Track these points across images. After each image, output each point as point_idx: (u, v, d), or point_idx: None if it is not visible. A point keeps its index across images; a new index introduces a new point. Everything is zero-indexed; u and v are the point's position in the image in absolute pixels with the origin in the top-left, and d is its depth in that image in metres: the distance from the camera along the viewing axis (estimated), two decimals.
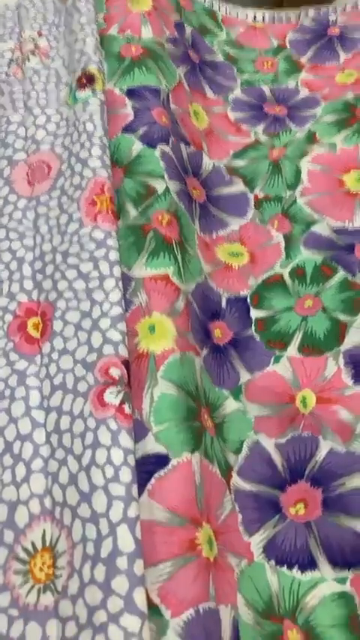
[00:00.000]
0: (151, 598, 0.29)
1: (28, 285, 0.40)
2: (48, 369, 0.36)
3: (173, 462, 0.32)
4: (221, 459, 0.36)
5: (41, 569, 0.31)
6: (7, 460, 0.34)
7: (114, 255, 0.38)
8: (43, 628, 0.29)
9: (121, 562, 0.28)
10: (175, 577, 0.30)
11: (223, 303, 0.44)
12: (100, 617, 0.28)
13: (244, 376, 0.41)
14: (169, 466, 0.32)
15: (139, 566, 0.28)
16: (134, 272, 0.39)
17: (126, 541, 0.29)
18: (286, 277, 0.45)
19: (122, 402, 0.33)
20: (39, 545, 0.31)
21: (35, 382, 0.36)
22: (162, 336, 0.36)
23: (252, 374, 0.41)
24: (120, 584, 0.28)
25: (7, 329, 0.38)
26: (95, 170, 0.42)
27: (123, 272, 0.39)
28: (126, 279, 0.39)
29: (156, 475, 0.32)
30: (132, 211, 0.42)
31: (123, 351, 0.35)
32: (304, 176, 0.48)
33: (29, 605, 0.30)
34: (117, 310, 0.36)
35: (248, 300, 0.44)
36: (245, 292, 0.45)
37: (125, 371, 0.34)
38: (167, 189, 0.42)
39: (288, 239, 0.47)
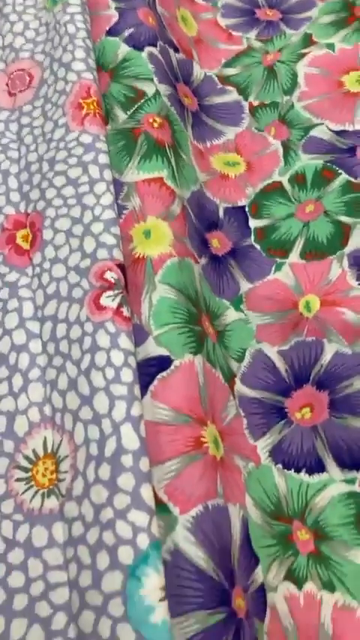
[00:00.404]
0: (158, 496, 0.28)
1: (15, 197, 0.38)
2: (40, 279, 0.35)
3: (176, 362, 0.31)
4: (224, 365, 0.35)
5: (44, 475, 0.30)
6: (3, 372, 0.33)
7: (104, 159, 0.36)
8: (49, 531, 0.29)
9: (126, 459, 0.28)
10: (183, 474, 0.29)
11: (221, 213, 0.42)
12: (107, 514, 0.27)
13: (245, 286, 0.40)
14: (172, 367, 0.31)
15: (144, 463, 0.28)
16: (126, 177, 0.37)
17: (130, 439, 0.28)
18: (286, 184, 0.43)
19: (120, 305, 0.31)
20: (40, 453, 0.31)
21: (28, 293, 0.35)
22: (158, 241, 0.35)
23: (252, 283, 0.39)
24: (126, 481, 0.27)
25: None
26: (80, 73, 0.39)
27: (114, 177, 0.37)
28: (117, 185, 0.37)
29: (158, 376, 0.31)
30: (121, 115, 0.39)
31: (118, 255, 0.33)
32: (300, 80, 0.46)
33: (34, 510, 0.29)
34: (109, 214, 0.34)
35: (246, 209, 0.42)
36: (243, 202, 0.43)
37: (121, 274, 0.33)
38: (157, 92, 0.40)
39: (286, 145, 0.44)
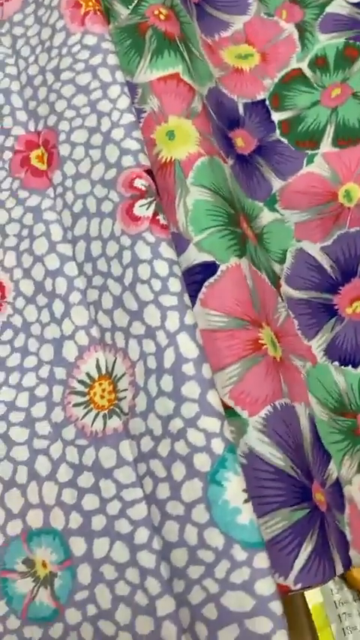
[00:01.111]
0: (224, 401, 0.27)
1: (22, 116, 0.35)
2: (64, 198, 0.32)
3: (222, 267, 0.30)
4: (268, 268, 0.34)
5: (102, 397, 0.29)
6: (41, 300, 0.31)
7: (113, 59, 0.33)
8: (116, 450, 0.28)
9: (188, 368, 0.26)
10: (246, 377, 0.28)
11: (240, 110, 0.39)
12: (176, 424, 0.26)
13: (277, 184, 0.37)
14: (219, 272, 0.30)
15: (207, 370, 0.26)
16: (139, 77, 0.34)
17: (189, 347, 0.27)
18: (306, 70, 0.40)
19: (155, 213, 0.29)
20: (95, 375, 0.29)
21: (53, 215, 0.33)
22: (184, 141, 0.32)
23: (285, 180, 0.37)
24: (191, 389, 0.26)
25: (10, 167, 0.34)
26: None
27: (126, 80, 0.34)
28: (131, 88, 0.34)
29: (206, 283, 0.29)
30: (122, 11, 0.36)
31: (144, 160, 0.31)
32: None
33: (97, 432, 0.28)
34: (129, 117, 0.31)
35: (267, 102, 0.39)
36: (262, 95, 0.40)
37: (151, 180, 0.30)
38: None
39: (301, 28, 0.41)
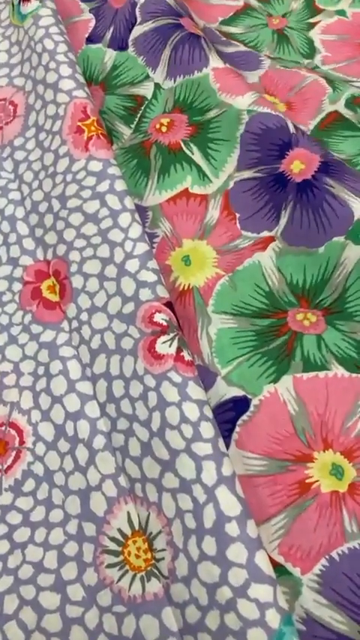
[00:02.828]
0: (272, 558, 0.25)
1: (29, 244, 0.34)
2: (80, 333, 0.31)
3: (254, 401, 0.28)
4: (344, 350, 0.29)
5: (137, 556, 0.27)
6: (63, 446, 0.29)
7: (121, 185, 0.32)
8: (159, 619, 0.25)
9: (231, 528, 0.24)
10: (294, 528, 0.26)
11: (291, 128, 0.34)
12: (225, 593, 0.24)
13: (359, 206, 0.30)
14: (252, 407, 0.28)
15: (252, 528, 0.24)
16: (148, 200, 0.33)
17: (230, 503, 0.25)
18: (344, 111, 0.36)
19: (179, 350, 0.28)
20: (127, 531, 0.27)
21: (70, 351, 0.31)
22: (201, 265, 0.31)
23: None
24: (237, 552, 0.24)
25: (20, 299, 0.33)
26: (71, 92, 0.35)
27: (135, 203, 0.33)
28: (141, 211, 0.33)
29: (239, 421, 0.28)
30: (125, 131, 0.35)
31: (163, 292, 0.29)
32: (318, 46, 0.41)
33: (136, 598, 0.26)
34: (143, 247, 0.30)
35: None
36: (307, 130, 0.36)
37: (172, 313, 0.29)
38: (157, 87, 0.35)
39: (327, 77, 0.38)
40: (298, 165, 0.32)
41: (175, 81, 0.37)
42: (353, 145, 0.34)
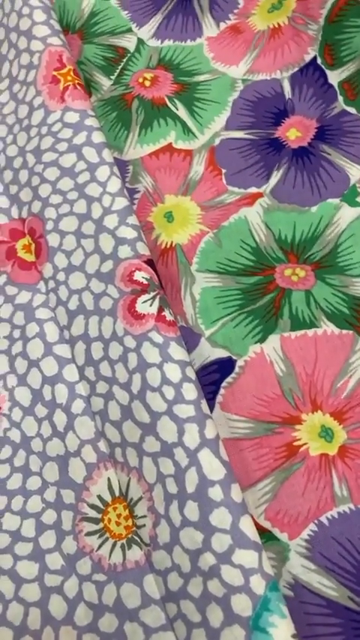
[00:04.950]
0: (259, 524, 0.24)
1: (4, 202, 0.32)
2: (57, 294, 0.29)
3: (240, 362, 0.27)
4: (333, 304, 0.28)
5: (118, 524, 0.26)
6: (41, 411, 0.28)
7: (99, 137, 0.30)
8: (140, 587, 0.24)
9: (215, 492, 0.23)
10: (281, 493, 0.24)
11: (287, 89, 0.32)
12: (208, 560, 0.23)
13: (355, 171, 0.30)
14: (237, 369, 0.26)
15: (236, 492, 0.23)
16: (128, 154, 0.31)
17: (213, 467, 0.23)
18: None
19: (161, 309, 0.26)
20: (107, 498, 0.26)
21: (46, 313, 0.30)
22: (184, 222, 0.29)
23: None
24: (220, 517, 0.23)
25: None
26: (45, 40, 0.33)
27: (114, 157, 0.31)
28: (120, 165, 0.31)
29: (224, 383, 0.26)
30: (104, 82, 0.33)
31: (143, 250, 0.28)
32: None
33: (117, 566, 0.25)
34: (122, 202, 0.29)
35: (319, 60, 0.33)
36: (311, 52, 0.33)
37: (153, 271, 0.28)
38: (141, 42, 0.33)
39: None
40: (295, 132, 0.31)
41: (162, 42, 0.35)
42: None
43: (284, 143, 0.31)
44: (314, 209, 0.29)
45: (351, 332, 0.26)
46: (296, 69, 0.33)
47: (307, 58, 0.33)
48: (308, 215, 0.29)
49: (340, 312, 0.27)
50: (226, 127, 0.32)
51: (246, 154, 0.31)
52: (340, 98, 0.32)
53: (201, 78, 0.33)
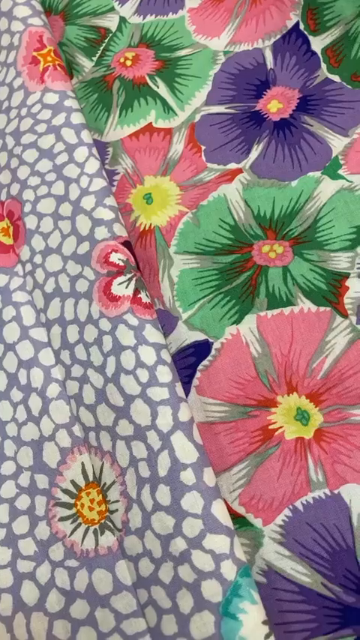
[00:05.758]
0: (233, 509, 0.24)
1: None
2: (34, 276, 0.29)
3: (216, 344, 0.26)
4: (311, 281, 0.27)
5: (91, 509, 0.25)
6: (16, 395, 0.28)
7: (78, 118, 0.30)
8: (112, 573, 0.24)
9: (186, 476, 0.23)
10: (256, 477, 0.24)
11: (269, 59, 0.31)
12: (179, 545, 0.22)
13: (339, 142, 0.29)
14: (213, 351, 0.26)
15: (209, 476, 0.23)
16: (108, 135, 0.31)
17: (186, 450, 0.23)
18: None
19: (137, 291, 0.26)
20: (81, 482, 0.26)
21: (23, 297, 0.29)
22: (163, 203, 0.29)
23: (349, 135, 0.29)
24: (192, 501, 0.22)
25: None
26: (26, 20, 0.32)
27: (94, 139, 0.31)
28: (100, 147, 0.31)
29: (200, 367, 0.26)
30: (86, 63, 0.33)
31: (120, 231, 0.27)
32: None
33: (89, 552, 0.25)
34: (100, 183, 0.28)
35: (302, 26, 0.32)
36: (293, 18, 0.32)
37: (129, 253, 0.27)
38: (123, 21, 0.33)
39: None
40: (276, 104, 0.30)
41: (144, 18, 0.34)
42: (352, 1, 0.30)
43: (265, 116, 0.30)
44: (294, 183, 0.29)
45: (329, 309, 0.26)
46: (278, 36, 0.32)
47: (290, 24, 0.32)
48: (288, 190, 0.28)
49: (317, 289, 0.26)
50: (206, 102, 0.31)
51: (226, 129, 0.30)
52: (324, 66, 0.31)
53: (182, 53, 0.33)
